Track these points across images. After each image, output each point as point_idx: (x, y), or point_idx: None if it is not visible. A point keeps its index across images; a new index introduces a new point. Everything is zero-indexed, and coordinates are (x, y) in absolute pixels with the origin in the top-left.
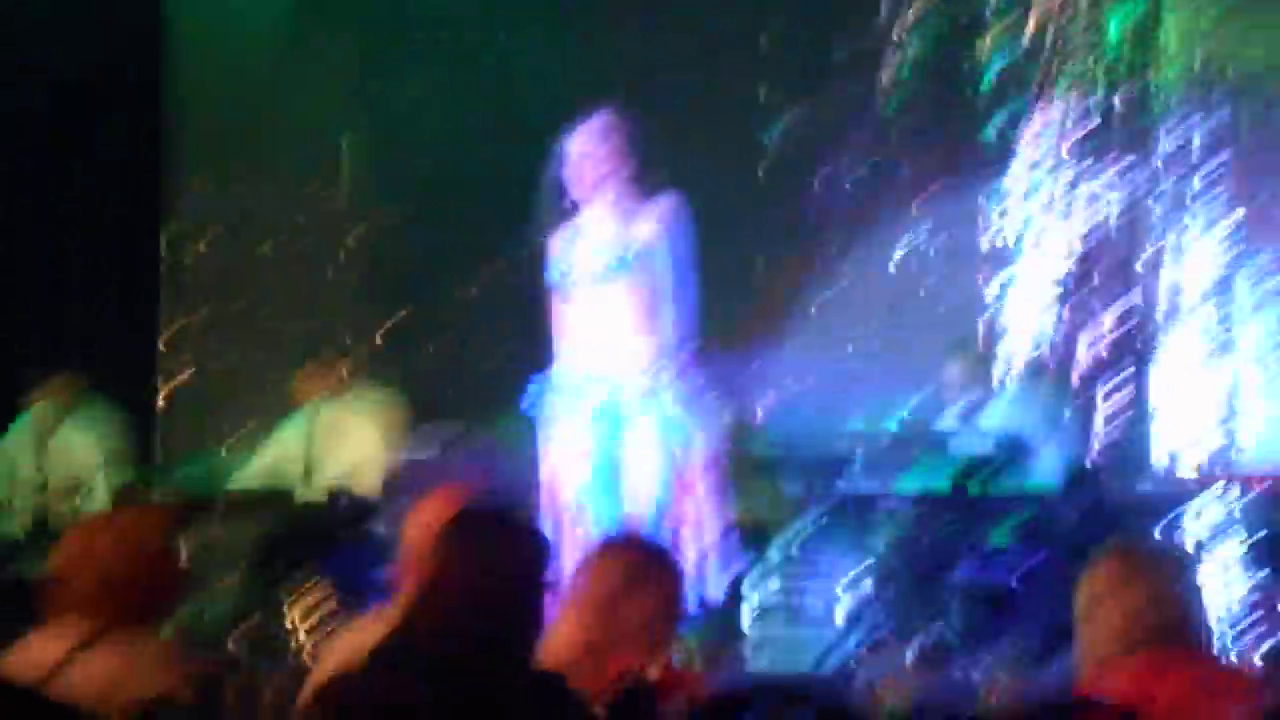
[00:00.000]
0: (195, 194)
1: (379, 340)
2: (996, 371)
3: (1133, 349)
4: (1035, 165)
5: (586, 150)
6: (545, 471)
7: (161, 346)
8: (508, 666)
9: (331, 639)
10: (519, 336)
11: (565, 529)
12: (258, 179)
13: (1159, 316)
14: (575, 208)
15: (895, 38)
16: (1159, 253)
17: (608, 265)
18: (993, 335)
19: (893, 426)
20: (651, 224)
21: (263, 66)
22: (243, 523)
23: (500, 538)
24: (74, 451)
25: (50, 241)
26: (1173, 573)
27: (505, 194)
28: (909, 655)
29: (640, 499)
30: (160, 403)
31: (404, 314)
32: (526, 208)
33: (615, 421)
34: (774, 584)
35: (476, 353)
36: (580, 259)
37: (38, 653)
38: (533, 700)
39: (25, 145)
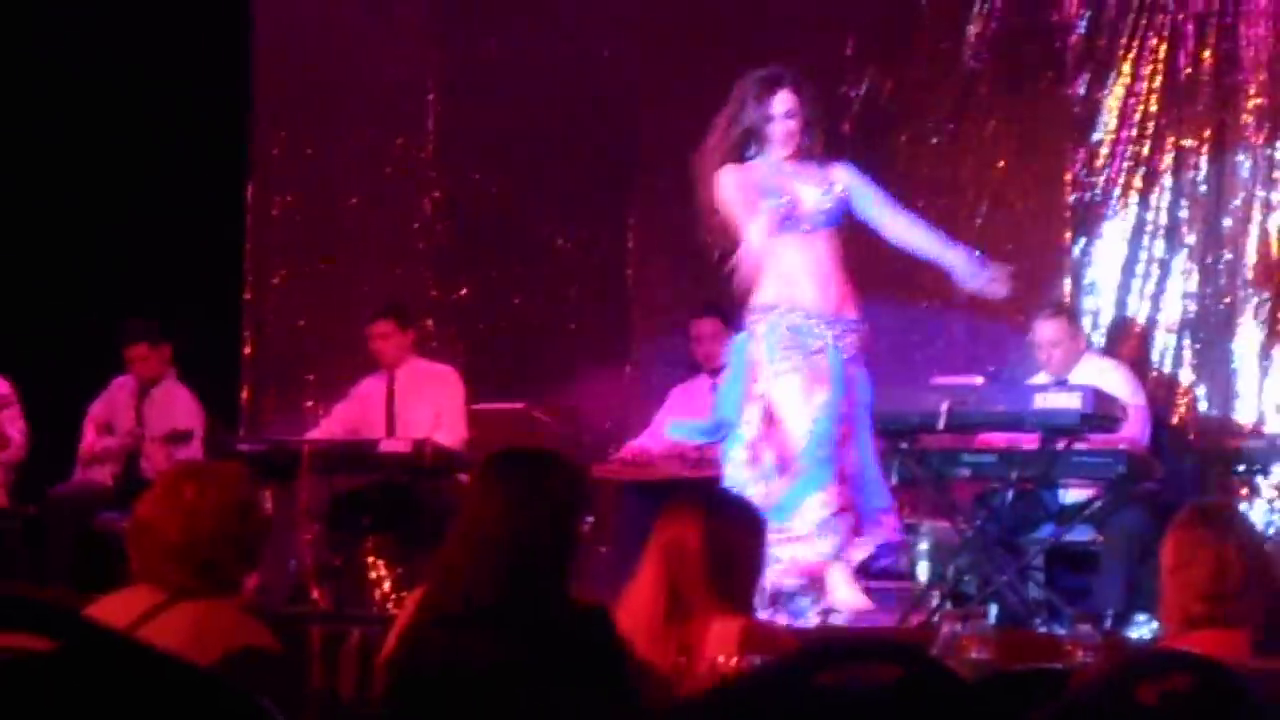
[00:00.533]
0: (281, 148)
1: (464, 294)
2: (1085, 328)
3: (1221, 305)
4: (1123, 121)
5: (800, 110)
6: (759, 413)
7: (246, 300)
8: (540, 600)
9: (413, 589)
10: (604, 290)
11: (788, 470)
12: (343, 134)
13: (1249, 272)
14: (755, 155)
15: None
16: (1248, 208)
17: (834, 205)
18: (1079, 293)
19: (978, 381)
20: (847, 174)
21: (348, 20)
22: (327, 474)
23: (529, 474)
24: (176, 401)
25: (138, 196)
26: (1258, 529)
27: (587, 148)
28: (992, 611)
29: (848, 443)
30: (246, 356)
31: (487, 268)
32: (606, 161)
33: (840, 365)
34: None
35: (562, 306)
36: (805, 197)
37: (121, 606)
38: (568, 634)
39: (113, 103)
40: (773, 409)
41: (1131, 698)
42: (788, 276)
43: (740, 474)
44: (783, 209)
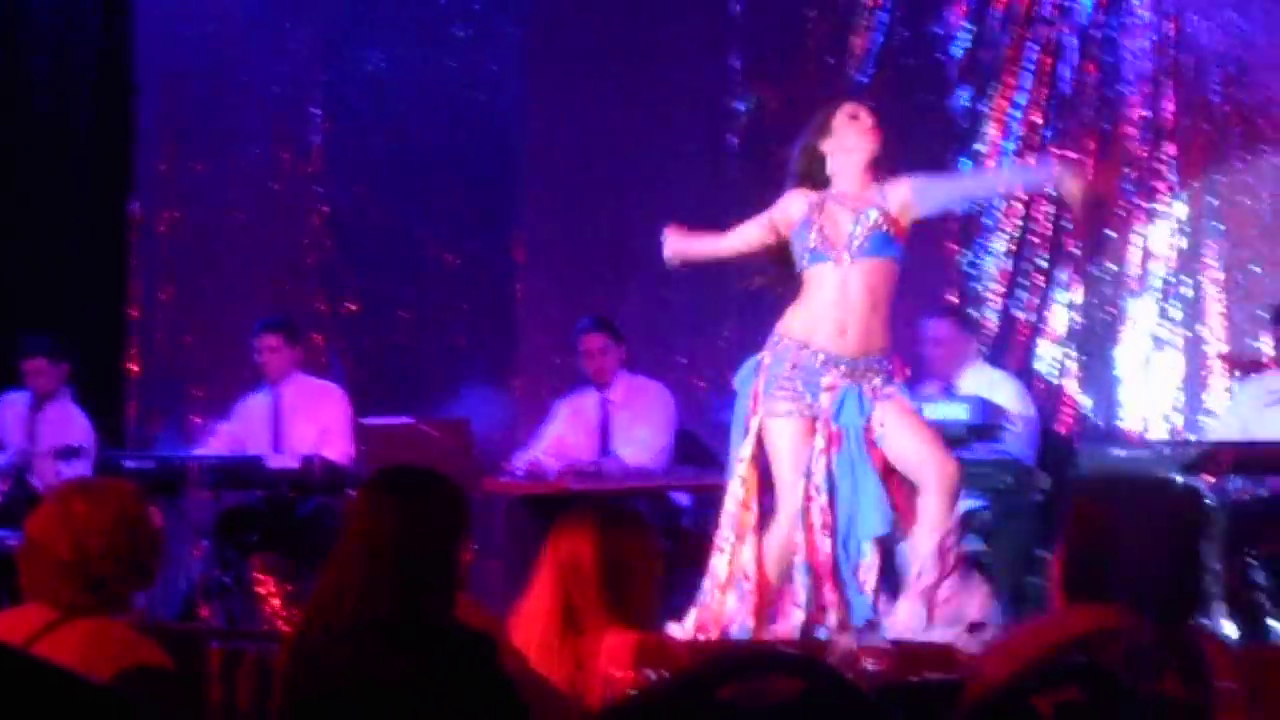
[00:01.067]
0: (167, 164)
1: (352, 309)
2: (974, 339)
3: (1104, 314)
4: (1006, 132)
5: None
6: (753, 448)
7: (132, 317)
8: (421, 621)
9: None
10: (492, 305)
11: (808, 511)
12: (229, 149)
13: (1132, 283)
14: (827, 181)
15: (867, 3)
16: (1131, 219)
17: (876, 235)
18: (965, 304)
19: None
20: (904, 188)
21: (233, 36)
22: (214, 491)
23: (412, 493)
24: (69, 418)
25: (20, 213)
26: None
27: (474, 163)
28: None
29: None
30: (131, 373)
31: (374, 283)
32: (493, 176)
33: (862, 404)
34: None
35: (450, 321)
36: (840, 227)
37: (12, 625)
38: (453, 653)
39: None
40: (763, 443)
41: (1029, 709)
42: (812, 311)
43: (738, 510)
44: (813, 240)
